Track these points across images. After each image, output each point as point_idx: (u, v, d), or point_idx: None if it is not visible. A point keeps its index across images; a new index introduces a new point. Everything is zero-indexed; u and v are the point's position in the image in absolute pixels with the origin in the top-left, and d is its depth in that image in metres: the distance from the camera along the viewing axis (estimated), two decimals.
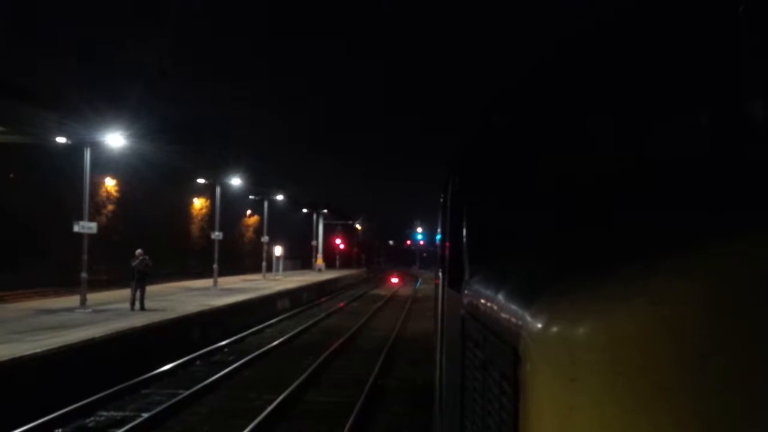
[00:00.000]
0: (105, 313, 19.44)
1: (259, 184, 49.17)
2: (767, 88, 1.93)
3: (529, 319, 1.56)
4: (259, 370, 16.45)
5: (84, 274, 21.11)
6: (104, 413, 11.95)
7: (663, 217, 1.88)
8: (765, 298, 1.29)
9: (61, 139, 23.75)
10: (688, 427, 1.30)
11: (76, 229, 21.11)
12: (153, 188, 46.39)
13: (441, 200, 5.28)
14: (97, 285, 28.35)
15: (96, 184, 38.22)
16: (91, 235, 21.83)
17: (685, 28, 2.42)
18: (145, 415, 11.50)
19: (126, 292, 22.39)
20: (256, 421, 11.02)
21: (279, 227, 56.03)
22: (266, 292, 31.35)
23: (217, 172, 39.68)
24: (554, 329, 1.46)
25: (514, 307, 1.78)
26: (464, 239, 3.23)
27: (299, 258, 69.11)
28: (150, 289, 22.19)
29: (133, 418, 11.34)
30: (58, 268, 33.75)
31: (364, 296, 44.87)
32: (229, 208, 48.71)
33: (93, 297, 22.52)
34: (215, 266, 34.79)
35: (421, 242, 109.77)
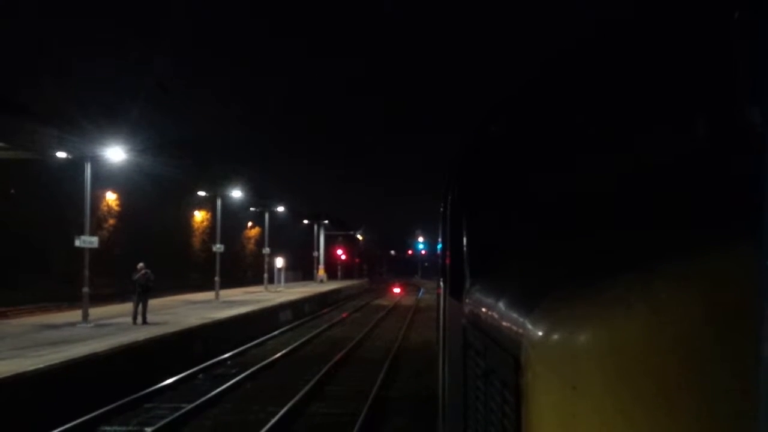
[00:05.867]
0: (107, 327, 19.41)
1: (260, 196, 49.24)
2: (763, 94, 1.94)
3: (529, 326, 1.56)
4: (262, 383, 16.38)
5: (86, 289, 21.07)
6: (107, 428, 11.90)
7: (662, 223, 1.88)
8: (764, 303, 1.30)
9: (61, 154, 23.82)
10: None
11: (77, 243, 21.10)
12: (154, 202, 46.52)
13: (441, 210, 5.28)
14: (99, 299, 28.31)
15: (97, 198, 38.32)
16: (92, 250, 21.80)
17: (681, 36, 2.44)
18: (149, 429, 11.45)
19: (128, 306, 22.36)
20: None
21: (280, 239, 56.03)
22: (268, 304, 31.29)
23: (217, 184, 39.74)
24: (555, 336, 1.46)
25: (514, 315, 1.78)
26: (465, 248, 3.23)
27: (301, 269, 69.04)
28: (152, 302, 22.15)
29: None
30: (59, 282, 33.75)
31: (367, 307, 44.74)
32: (230, 221, 48.76)
33: (95, 311, 22.48)
34: (217, 279, 34.73)
35: (423, 252, 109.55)
